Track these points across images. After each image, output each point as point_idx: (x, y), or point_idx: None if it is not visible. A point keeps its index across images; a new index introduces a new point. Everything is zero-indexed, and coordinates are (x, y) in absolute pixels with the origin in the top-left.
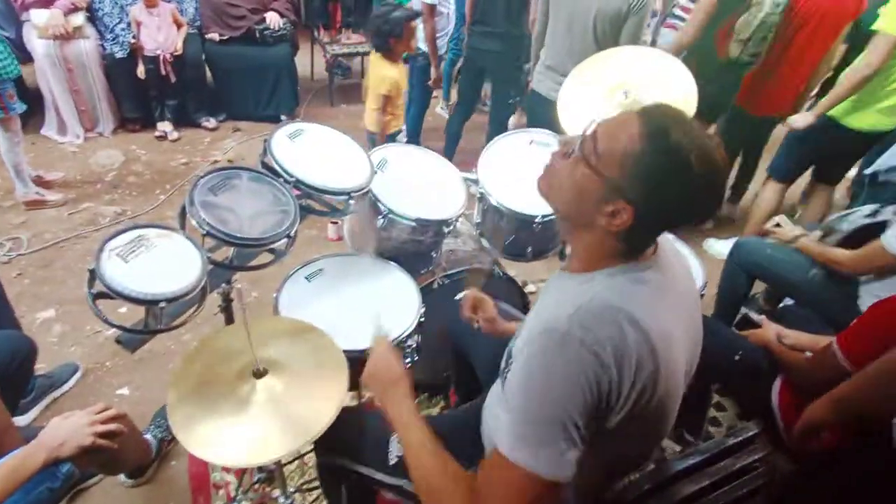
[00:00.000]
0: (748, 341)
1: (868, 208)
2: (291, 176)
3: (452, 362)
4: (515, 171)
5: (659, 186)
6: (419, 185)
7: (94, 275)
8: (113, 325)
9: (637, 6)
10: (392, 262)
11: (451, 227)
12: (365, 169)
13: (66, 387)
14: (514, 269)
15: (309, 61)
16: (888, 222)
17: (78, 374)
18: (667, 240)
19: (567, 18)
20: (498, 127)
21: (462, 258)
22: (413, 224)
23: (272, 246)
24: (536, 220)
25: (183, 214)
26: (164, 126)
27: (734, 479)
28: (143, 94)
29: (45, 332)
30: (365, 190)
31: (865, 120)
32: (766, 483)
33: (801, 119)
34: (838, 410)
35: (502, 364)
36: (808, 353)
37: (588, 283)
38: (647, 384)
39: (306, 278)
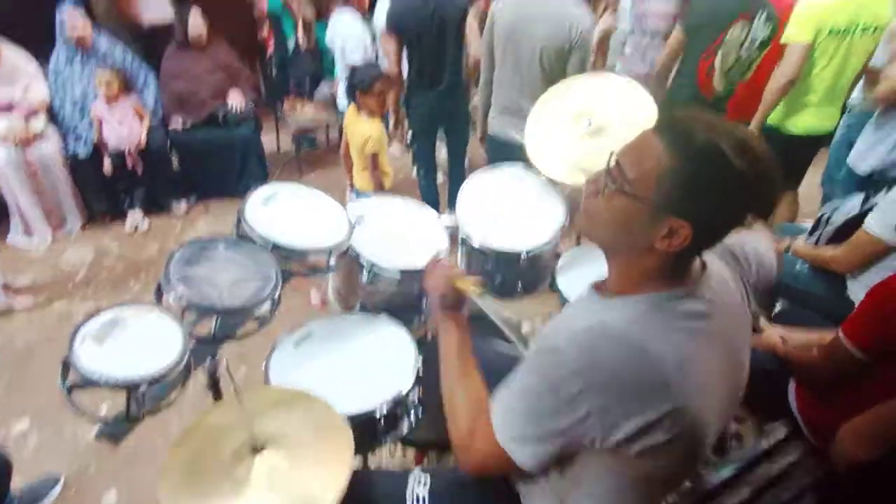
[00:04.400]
0: (754, 349)
1: (858, 198)
2: (268, 241)
3: None
4: (494, 209)
5: (705, 192)
6: (400, 235)
7: (67, 365)
8: (91, 418)
9: (578, 42)
10: (382, 315)
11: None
12: (343, 225)
13: (47, 501)
14: (506, 310)
15: (275, 136)
16: (873, 206)
17: (59, 487)
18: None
19: (514, 60)
20: (458, 178)
21: None
22: (398, 277)
23: (256, 313)
24: (522, 256)
25: (160, 292)
26: (135, 216)
27: (777, 483)
28: (110, 188)
29: (21, 443)
30: (345, 247)
31: (803, 122)
32: (814, 483)
33: None
34: (869, 443)
35: None
36: (816, 350)
37: (612, 307)
38: (660, 420)
39: (294, 345)
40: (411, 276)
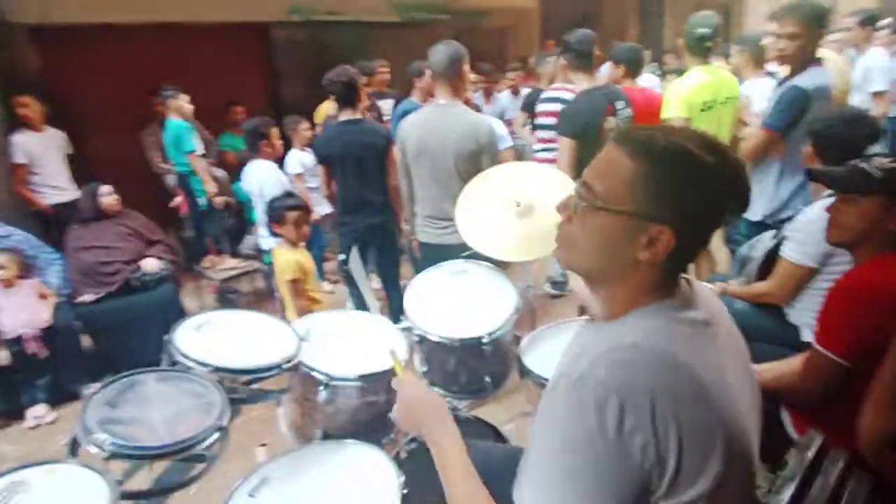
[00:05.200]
0: None
1: (769, 234)
2: (206, 365)
3: None
4: (445, 304)
5: (679, 191)
6: (353, 342)
7: None
8: None
9: (487, 144)
10: (348, 440)
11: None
12: (290, 340)
13: None
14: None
15: (196, 296)
16: (783, 238)
17: None
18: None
19: (430, 169)
20: (396, 296)
21: None
22: (359, 384)
23: (202, 448)
24: (484, 339)
25: (75, 445)
26: (37, 411)
27: (838, 496)
28: (5, 382)
29: None
30: (295, 360)
31: None
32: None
33: None
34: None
35: None
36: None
37: (620, 326)
38: (707, 441)
39: (250, 495)
40: (373, 382)
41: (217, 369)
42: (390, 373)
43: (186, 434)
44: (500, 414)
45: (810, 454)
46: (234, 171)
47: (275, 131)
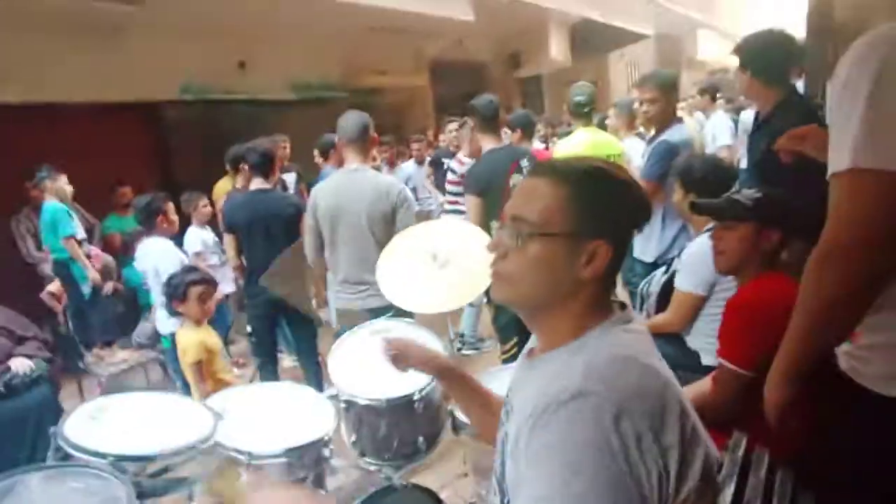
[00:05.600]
0: None
1: (660, 270)
2: (104, 455)
3: None
4: (370, 365)
5: (606, 204)
6: (275, 416)
7: None
8: None
9: (399, 202)
10: None
11: (330, 447)
12: (204, 418)
13: None
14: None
15: (78, 396)
16: (676, 271)
17: None
18: None
19: (343, 233)
20: (314, 367)
21: (353, 491)
22: (284, 459)
23: None
24: (415, 397)
25: None
26: None
27: (769, 489)
28: None
29: None
30: (211, 440)
31: None
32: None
33: None
34: (785, 374)
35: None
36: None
37: (583, 347)
38: (688, 440)
39: None
40: (299, 456)
41: (118, 459)
42: (321, 443)
43: None
44: (435, 480)
45: (740, 453)
46: (120, 255)
47: (171, 206)
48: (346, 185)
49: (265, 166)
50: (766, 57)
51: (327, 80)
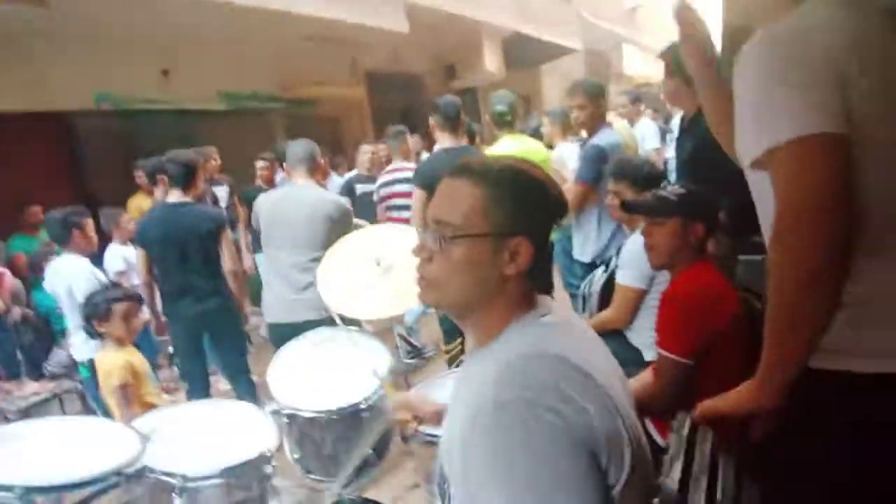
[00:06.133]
0: None
1: (600, 270)
2: (11, 488)
3: None
4: (312, 376)
5: (525, 203)
6: (210, 435)
7: None
8: None
9: (340, 215)
10: None
11: (273, 464)
12: (130, 441)
13: None
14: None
15: None
16: (615, 269)
17: None
18: None
19: (281, 243)
20: (246, 385)
21: None
22: (221, 480)
23: None
24: (362, 406)
25: None
26: None
27: (714, 466)
28: None
29: None
30: (138, 464)
31: None
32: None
33: None
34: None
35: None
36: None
37: (505, 343)
38: (614, 429)
39: None
40: (239, 476)
41: (28, 490)
42: (262, 460)
43: None
44: (386, 493)
45: (685, 432)
46: (30, 277)
47: (90, 222)
48: (289, 197)
49: (184, 179)
50: None
51: (260, 90)
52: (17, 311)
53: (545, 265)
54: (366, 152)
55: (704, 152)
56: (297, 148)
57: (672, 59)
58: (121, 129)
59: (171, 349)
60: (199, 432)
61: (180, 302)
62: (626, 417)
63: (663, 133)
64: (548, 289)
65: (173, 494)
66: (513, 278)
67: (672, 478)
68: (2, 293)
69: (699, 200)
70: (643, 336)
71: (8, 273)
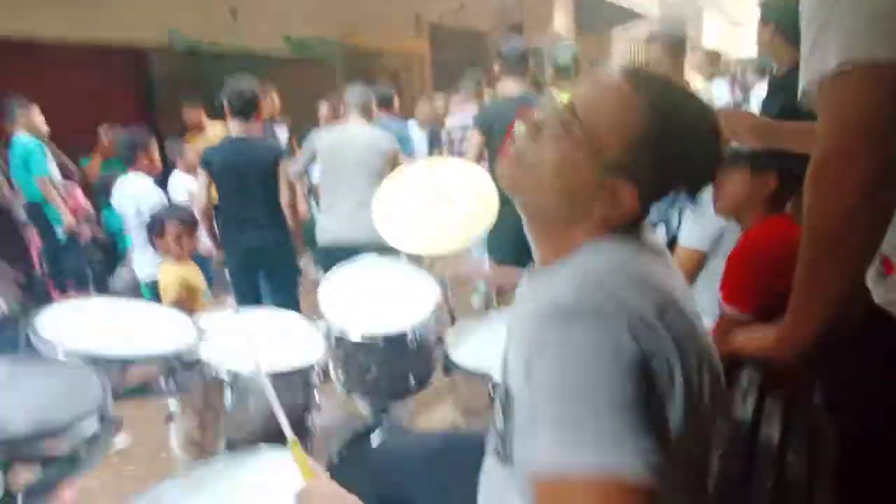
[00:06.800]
0: None
1: (661, 230)
2: (79, 352)
3: None
4: (363, 300)
5: (668, 161)
6: (260, 339)
7: None
8: None
9: (392, 153)
10: (261, 445)
11: (319, 376)
12: (189, 330)
13: None
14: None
15: None
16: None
17: None
18: None
19: (339, 175)
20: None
21: (337, 430)
22: (269, 384)
23: (79, 436)
24: (410, 336)
25: None
26: None
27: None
28: None
29: None
30: (195, 351)
31: None
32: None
33: None
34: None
35: (497, 424)
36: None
37: (582, 260)
38: (693, 362)
39: None
40: (287, 381)
41: (94, 359)
42: (308, 370)
43: (54, 419)
44: (423, 424)
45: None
46: (101, 198)
47: (154, 145)
48: (346, 136)
49: (244, 109)
50: (790, 12)
51: (325, 36)
52: (86, 230)
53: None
54: (424, 105)
55: (795, 111)
56: (355, 92)
57: (771, 7)
58: (190, 67)
59: (227, 275)
60: (251, 338)
61: (238, 233)
62: (705, 352)
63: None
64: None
65: (225, 391)
66: (603, 215)
67: (746, 406)
68: (74, 212)
69: (771, 152)
70: (703, 300)
71: (80, 193)
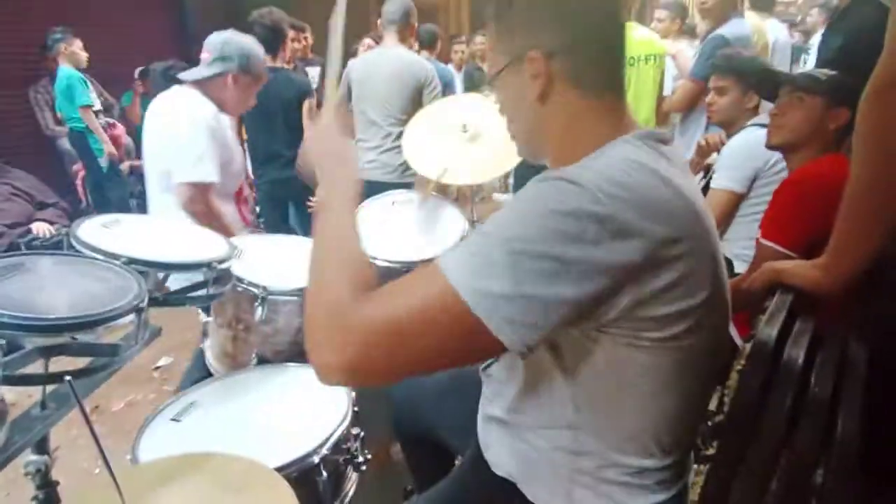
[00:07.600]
0: None
1: (698, 177)
2: (118, 256)
3: (411, 463)
4: (391, 231)
5: (528, 12)
6: (288, 260)
7: None
8: None
9: (427, 81)
10: (290, 364)
11: None
12: (221, 243)
13: None
14: None
15: None
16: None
17: None
18: None
19: (370, 106)
20: None
21: None
22: (298, 299)
23: (112, 334)
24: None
25: None
26: None
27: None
28: None
29: None
30: (227, 262)
31: None
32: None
33: None
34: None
35: None
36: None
37: (588, 160)
38: (694, 255)
39: (174, 419)
40: None
41: (132, 261)
42: None
43: (93, 309)
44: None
45: (789, 298)
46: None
47: None
48: (380, 61)
49: (269, 41)
50: None
51: None
52: (127, 163)
53: (594, 65)
54: (457, 51)
55: (857, 47)
56: (393, 6)
57: None
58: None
59: (257, 209)
60: (281, 257)
61: (266, 168)
62: (713, 249)
63: (795, 54)
64: (614, 87)
65: (254, 309)
66: (556, 100)
67: (770, 327)
68: (117, 144)
69: (850, 87)
70: (737, 246)
71: (121, 127)
